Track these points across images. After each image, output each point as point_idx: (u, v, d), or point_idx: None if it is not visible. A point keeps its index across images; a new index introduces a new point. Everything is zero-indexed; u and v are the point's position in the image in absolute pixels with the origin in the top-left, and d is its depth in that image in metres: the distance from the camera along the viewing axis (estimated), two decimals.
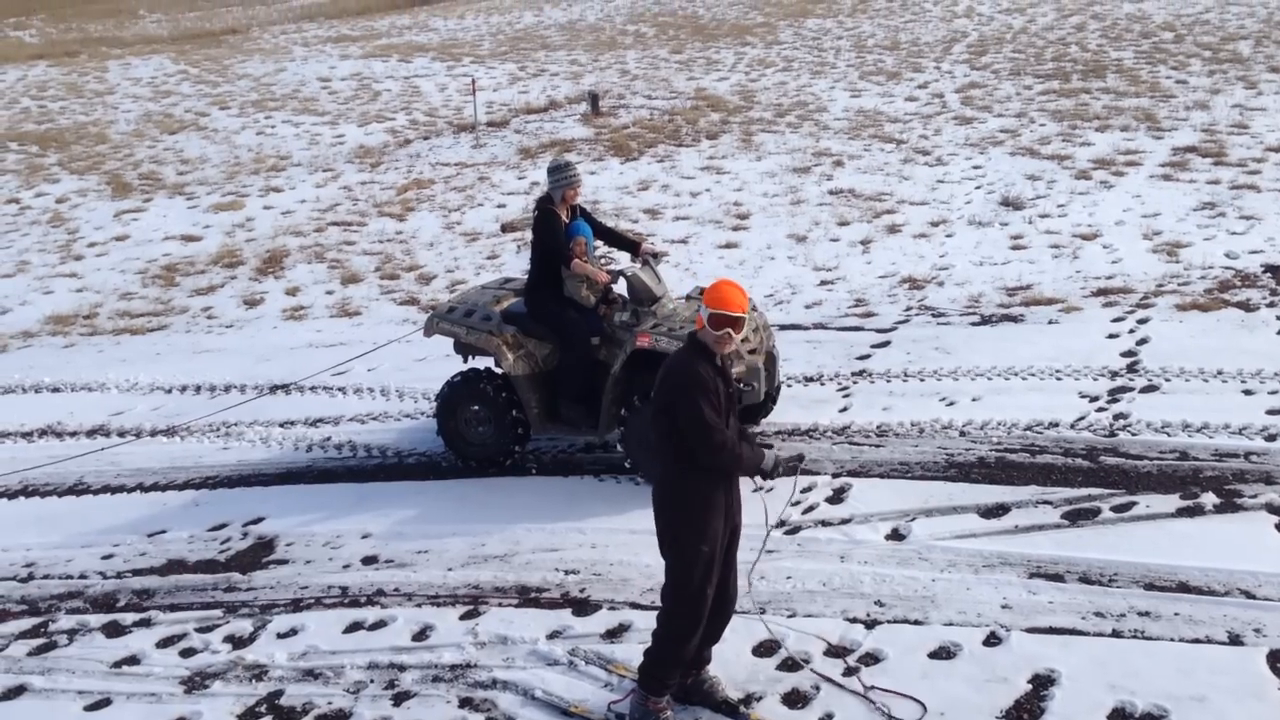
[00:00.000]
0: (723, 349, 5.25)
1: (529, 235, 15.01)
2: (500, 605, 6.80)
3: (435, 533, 7.75)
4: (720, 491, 5.30)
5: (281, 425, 9.97)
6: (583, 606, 6.70)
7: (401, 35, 39.01)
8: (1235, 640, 5.78)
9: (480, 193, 18.02)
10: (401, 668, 6.26)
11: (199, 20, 49.14)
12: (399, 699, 5.98)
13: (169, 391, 11.16)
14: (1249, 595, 6.14)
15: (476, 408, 8.43)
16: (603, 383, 8.01)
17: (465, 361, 8.72)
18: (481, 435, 8.50)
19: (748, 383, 7.66)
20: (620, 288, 8.41)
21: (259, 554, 7.80)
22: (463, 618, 6.70)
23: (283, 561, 7.66)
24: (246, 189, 19.34)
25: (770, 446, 5.70)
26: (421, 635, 6.56)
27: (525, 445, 8.58)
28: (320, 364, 11.32)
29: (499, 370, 8.39)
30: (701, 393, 5.08)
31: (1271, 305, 10.34)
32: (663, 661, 5.37)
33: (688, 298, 8.58)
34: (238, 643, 6.69)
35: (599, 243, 8.54)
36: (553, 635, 6.41)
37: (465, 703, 5.90)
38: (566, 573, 7.08)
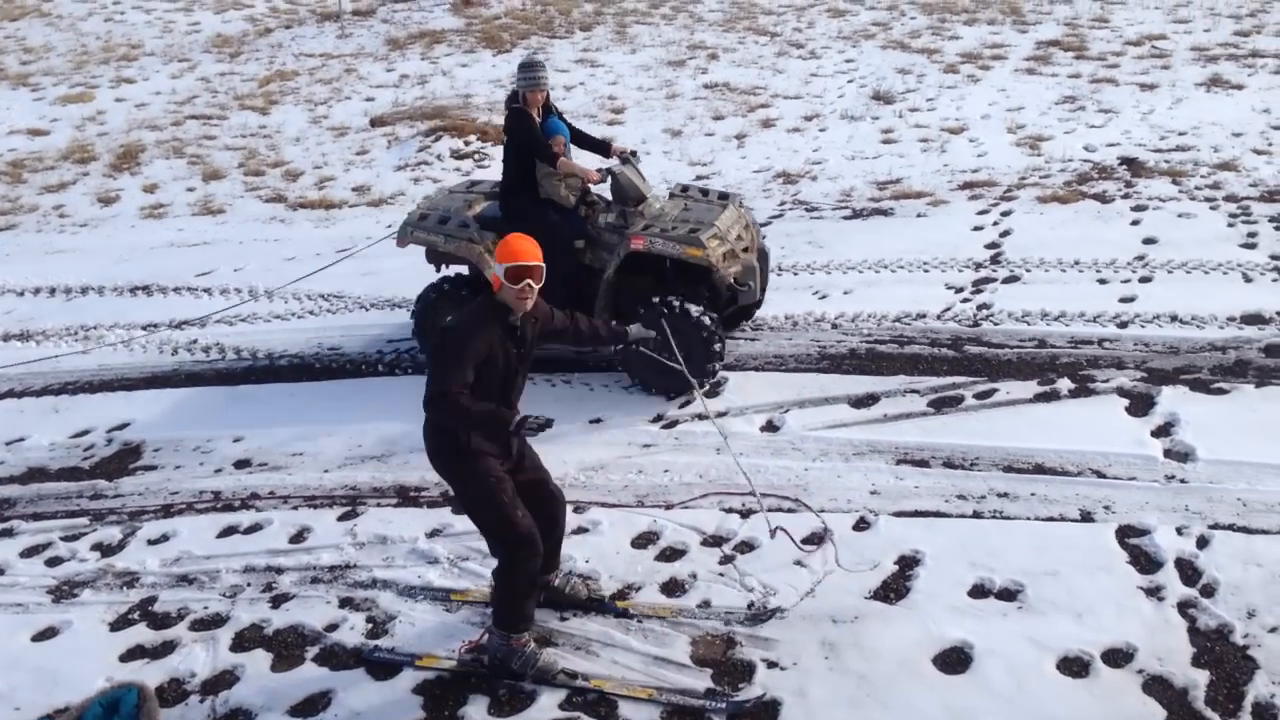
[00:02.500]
0: (524, 303, 4.99)
1: (399, 130, 14.71)
2: (379, 505, 6.76)
3: (310, 435, 7.63)
4: (497, 442, 5.13)
5: (144, 328, 9.63)
6: None
7: None
8: (1087, 517, 6.10)
9: (347, 85, 17.44)
10: (279, 570, 6.21)
11: None
12: (277, 601, 5.94)
13: (21, 294, 10.66)
14: (1100, 474, 6.46)
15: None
16: (590, 288, 7.70)
17: (438, 270, 8.28)
18: None
19: (744, 282, 7.55)
20: (598, 188, 8.02)
21: (125, 460, 7.58)
22: (341, 519, 6.65)
23: (151, 467, 7.46)
24: (96, 80, 18.35)
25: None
26: (299, 537, 6.50)
27: None
28: (182, 264, 10.93)
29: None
30: (450, 350, 4.88)
31: (1126, 197, 10.72)
32: (514, 595, 5.19)
33: (670, 195, 8.25)
34: (106, 550, 6.54)
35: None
36: (433, 534, 6.41)
37: (345, 602, 5.88)
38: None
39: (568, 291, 7.60)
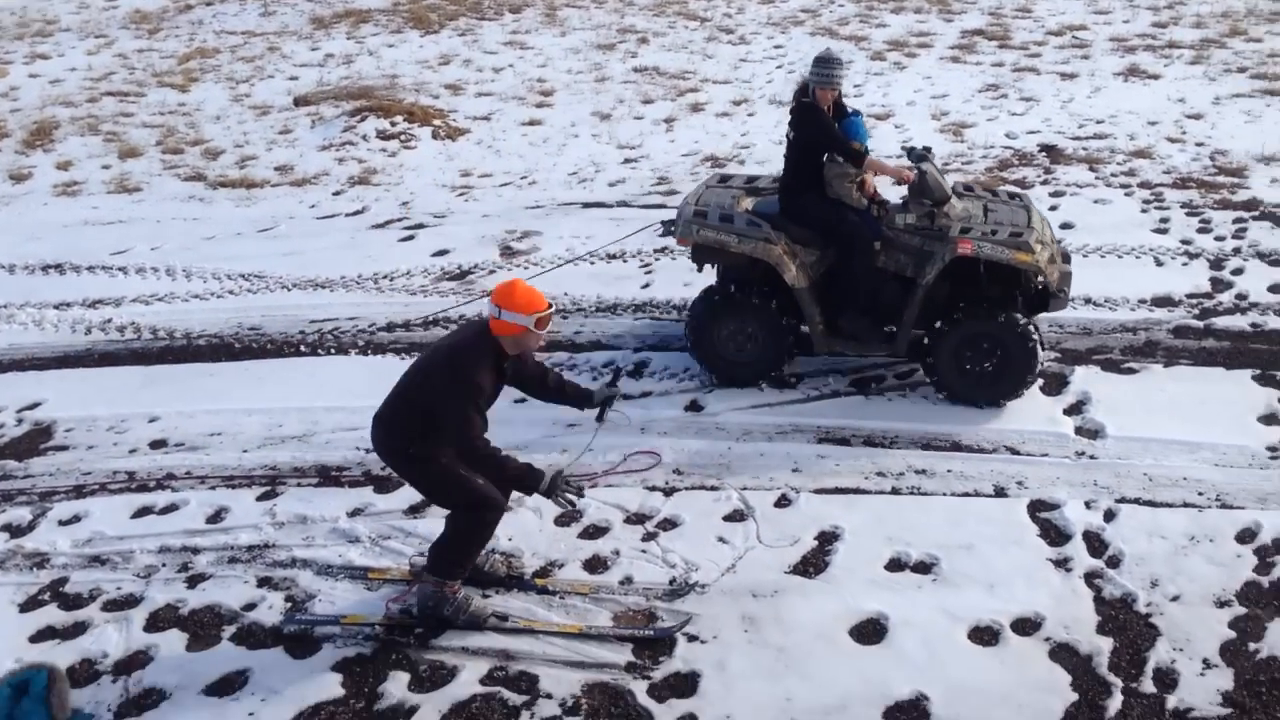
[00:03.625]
0: (539, 346, 5.20)
1: (324, 110, 14.50)
2: (299, 485, 6.68)
3: (229, 414, 7.51)
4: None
5: (56, 307, 9.39)
6: (384, 484, 6.64)
7: None
8: (1000, 493, 6.23)
9: (270, 64, 17.15)
10: (195, 550, 6.11)
11: None
12: (193, 581, 5.85)
13: None
14: (1014, 451, 6.60)
15: (743, 323, 7.37)
16: (886, 292, 7.21)
17: (699, 270, 7.80)
18: (746, 352, 7.43)
19: (1061, 288, 7.17)
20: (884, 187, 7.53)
21: (36, 440, 7.40)
22: (260, 499, 6.56)
23: (62, 448, 7.29)
24: (9, 55, 17.85)
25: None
26: (216, 518, 6.40)
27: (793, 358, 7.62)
28: (96, 243, 10.68)
29: (726, 279, 7.51)
30: (474, 399, 5.00)
31: (1045, 183, 10.93)
32: (464, 547, 5.31)
33: (956, 194, 7.42)
34: (15, 531, 6.38)
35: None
36: (354, 513, 6.36)
37: (264, 582, 5.81)
38: (368, 451, 6.96)
39: (867, 294, 7.22)
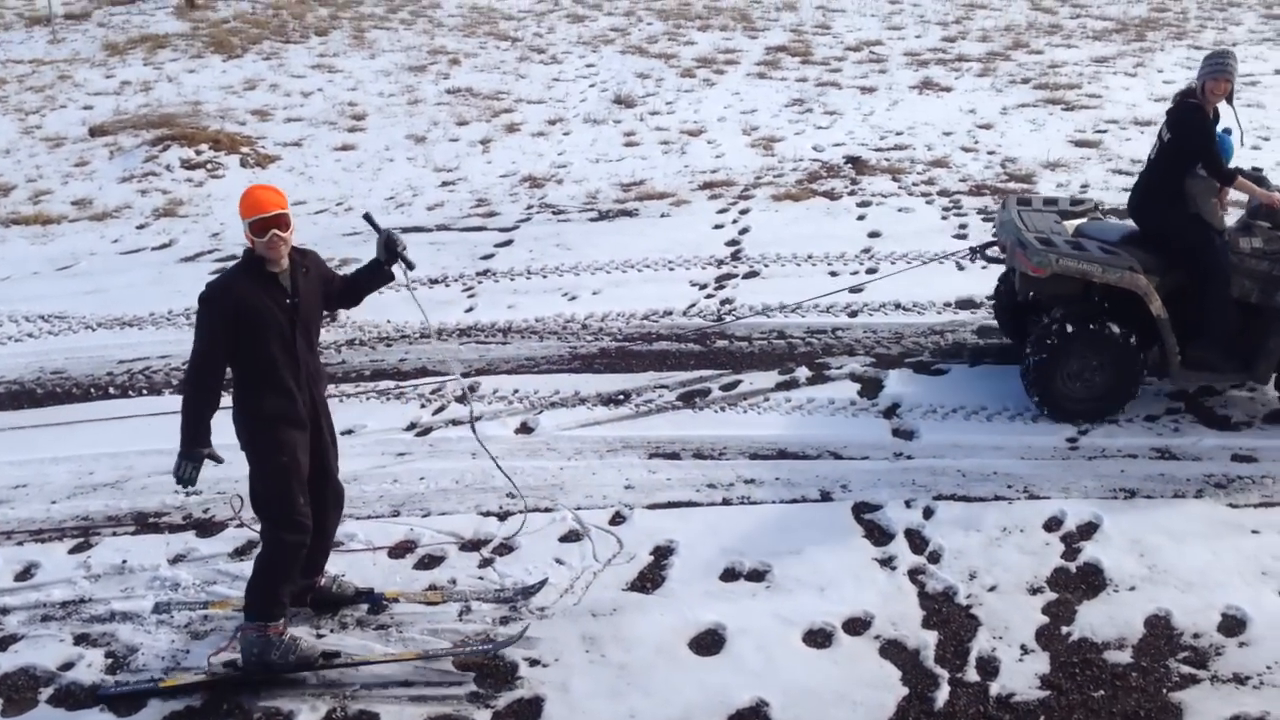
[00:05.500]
0: (276, 253, 4.91)
1: (122, 140, 13.92)
2: (115, 535, 6.39)
3: (34, 464, 7.12)
4: (293, 402, 5.04)
5: None
6: (207, 527, 6.41)
7: None
8: (826, 497, 6.44)
9: (62, 93, 16.37)
10: (4, 610, 5.76)
11: None
12: (4, 643, 5.51)
13: None
14: (837, 456, 6.83)
15: (1096, 356, 6.88)
16: (1242, 319, 6.84)
17: (1019, 298, 7.30)
18: (1086, 387, 6.96)
19: None
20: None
21: None
22: (72, 551, 6.23)
23: None
24: None
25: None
26: (25, 574, 6.06)
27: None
28: None
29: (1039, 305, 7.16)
30: (205, 328, 4.83)
31: (852, 194, 11.37)
32: (274, 580, 5.08)
33: None
34: None
35: None
36: (177, 559, 6.11)
37: (81, 639, 5.52)
38: (189, 494, 6.73)
39: (1219, 326, 6.82)
